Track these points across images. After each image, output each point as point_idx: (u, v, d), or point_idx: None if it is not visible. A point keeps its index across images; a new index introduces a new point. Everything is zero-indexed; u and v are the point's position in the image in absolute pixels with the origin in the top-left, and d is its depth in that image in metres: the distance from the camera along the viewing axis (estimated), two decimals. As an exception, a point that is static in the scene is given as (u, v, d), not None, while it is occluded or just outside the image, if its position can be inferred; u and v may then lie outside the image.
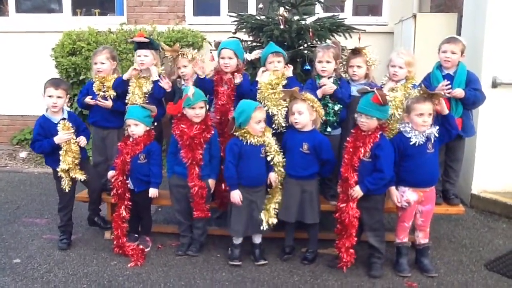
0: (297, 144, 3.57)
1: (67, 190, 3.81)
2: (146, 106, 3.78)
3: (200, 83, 3.90)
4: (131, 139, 3.78)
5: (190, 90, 3.60)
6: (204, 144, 3.66)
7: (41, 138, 3.75)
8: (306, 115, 3.54)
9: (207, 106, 3.74)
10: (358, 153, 3.38)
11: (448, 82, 3.68)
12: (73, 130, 3.75)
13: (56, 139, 3.69)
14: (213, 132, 3.70)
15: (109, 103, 4.06)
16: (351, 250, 3.49)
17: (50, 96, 3.71)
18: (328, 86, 3.74)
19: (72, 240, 4.05)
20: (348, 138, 3.51)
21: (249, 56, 4.07)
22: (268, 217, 3.60)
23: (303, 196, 3.60)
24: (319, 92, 3.75)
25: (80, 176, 3.81)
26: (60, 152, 3.73)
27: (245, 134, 3.51)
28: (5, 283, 3.42)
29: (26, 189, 5.53)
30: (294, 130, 3.63)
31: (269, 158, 3.58)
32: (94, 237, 4.18)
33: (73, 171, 3.79)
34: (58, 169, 3.76)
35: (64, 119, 3.78)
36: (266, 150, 3.58)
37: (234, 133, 3.56)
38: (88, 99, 4.08)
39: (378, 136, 3.38)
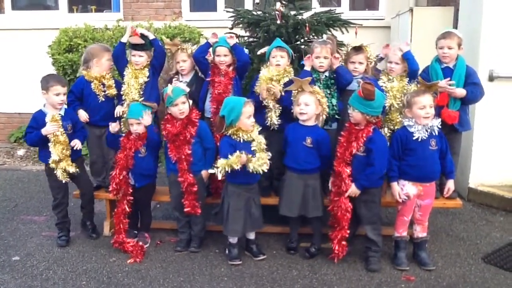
0: (300, 138, 3.58)
1: (63, 181, 3.78)
2: (147, 103, 3.78)
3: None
4: (133, 135, 3.78)
5: (169, 88, 3.64)
6: (191, 139, 3.66)
7: (33, 131, 3.75)
8: (312, 107, 3.55)
9: (190, 102, 3.72)
10: (351, 148, 3.40)
11: (448, 79, 3.69)
12: (61, 123, 3.71)
13: (43, 131, 3.68)
14: (198, 125, 3.68)
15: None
16: (343, 242, 3.51)
17: (57, 94, 3.71)
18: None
19: (71, 237, 4.05)
20: (342, 133, 3.52)
21: (258, 51, 4.07)
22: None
23: (306, 191, 3.60)
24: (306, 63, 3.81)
25: (71, 168, 3.75)
26: (49, 144, 3.71)
27: (237, 132, 3.46)
28: (5, 280, 3.43)
29: (24, 187, 5.53)
30: (297, 124, 3.63)
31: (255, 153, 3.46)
32: (93, 234, 4.18)
33: (64, 162, 3.73)
34: (50, 161, 3.73)
35: (60, 115, 3.75)
36: (252, 145, 3.48)
37: (225, 133, 3.50)
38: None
39: (371, 130, 3.39)
